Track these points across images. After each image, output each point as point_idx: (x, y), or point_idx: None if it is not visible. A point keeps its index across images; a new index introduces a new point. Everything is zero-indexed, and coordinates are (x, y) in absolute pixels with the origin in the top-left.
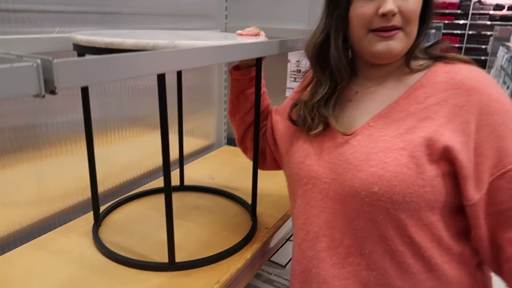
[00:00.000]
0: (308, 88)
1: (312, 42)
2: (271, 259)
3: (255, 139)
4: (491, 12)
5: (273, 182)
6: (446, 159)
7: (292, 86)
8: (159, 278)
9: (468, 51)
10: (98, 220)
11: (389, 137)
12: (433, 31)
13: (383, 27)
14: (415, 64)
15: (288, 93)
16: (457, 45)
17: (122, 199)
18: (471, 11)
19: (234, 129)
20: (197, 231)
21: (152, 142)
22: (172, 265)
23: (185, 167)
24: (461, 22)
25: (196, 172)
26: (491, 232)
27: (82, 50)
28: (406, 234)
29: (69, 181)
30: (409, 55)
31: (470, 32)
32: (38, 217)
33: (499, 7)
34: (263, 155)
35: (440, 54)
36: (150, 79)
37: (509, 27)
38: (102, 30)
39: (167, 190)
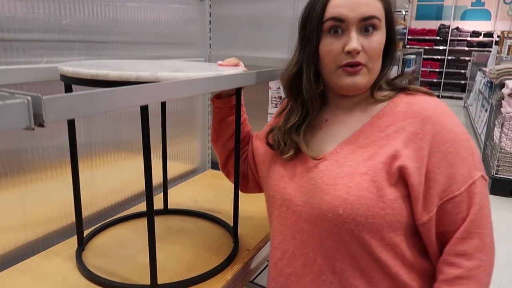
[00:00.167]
0: (283, 114)
1: (287, 73)
2: (254, 281)
3: (236, 165)
4: (469, 38)
5: (255, 205)
6: (403, 181)
7: (274, 112)
8: None
9: (448, 75)
10: (82, 244)
11: (353, 163)
12: (413, 56)
13: (349, 62)
14: (379, 95)
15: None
16: (437, 70)
17: (106, 223)
18: (449, 37)
19: (217, 155)
20: (180, 253)
21: (137, 166)
22: (154, 287)
23: (170, 190)
24: (441, 47)
25: (180, 196)
26: (441, 251)
27: (69, 80)
28: (372, 253)
29: (54, 205)
30: (374, 87)
31: (450, 58)
32: (22, 242)
33: (475, 33)
34: (245, 178)
35: (403, 86)
36: None
37: (485, 52)
38: (88, 60)
39: (150, 213)
